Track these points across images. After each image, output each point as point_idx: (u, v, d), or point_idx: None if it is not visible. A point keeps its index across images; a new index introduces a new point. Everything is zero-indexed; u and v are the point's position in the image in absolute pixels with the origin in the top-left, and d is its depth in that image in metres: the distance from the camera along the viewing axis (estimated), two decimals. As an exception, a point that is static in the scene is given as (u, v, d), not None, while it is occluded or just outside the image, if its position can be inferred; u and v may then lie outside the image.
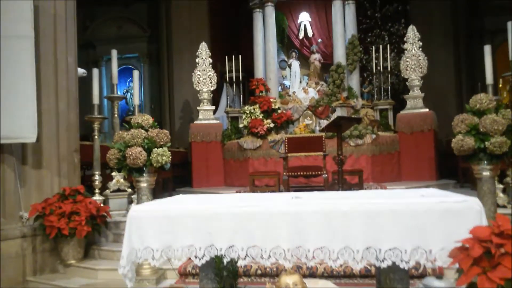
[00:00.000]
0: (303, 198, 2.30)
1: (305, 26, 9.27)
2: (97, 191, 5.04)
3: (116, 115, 5.18)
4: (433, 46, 9.74)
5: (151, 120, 3.89)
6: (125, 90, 12.75)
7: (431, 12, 10.35)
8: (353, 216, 2.06)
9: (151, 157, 3.76)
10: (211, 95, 8.84)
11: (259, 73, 9.02)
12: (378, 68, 8.66)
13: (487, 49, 4.72)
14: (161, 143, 3.84)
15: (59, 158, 4.58)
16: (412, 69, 8.05)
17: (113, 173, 5.25)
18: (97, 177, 4.98)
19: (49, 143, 4.46)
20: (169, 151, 3.82)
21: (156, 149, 3.78)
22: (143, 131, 3.81)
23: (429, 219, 2.04)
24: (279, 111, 8.34)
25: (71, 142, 4.66)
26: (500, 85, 10.86)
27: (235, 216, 2.12)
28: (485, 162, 3.63)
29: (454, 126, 3.71)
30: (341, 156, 5.46)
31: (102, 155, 5.10)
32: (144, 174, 3.86)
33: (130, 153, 3.69)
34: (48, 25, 4.34)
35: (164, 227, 2.19)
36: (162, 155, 3.74)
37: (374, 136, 7.76)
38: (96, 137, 4.95)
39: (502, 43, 12.03)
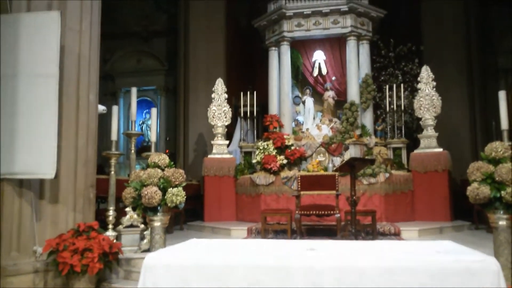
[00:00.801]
0: (317, 250, 2.29)
1: (319, 64, 9.42)
2: (110, 226, 5.07)
3: (133, 151, 5.26)
4: (446, 85, 9.78)
5: (167, 159, 3.96)
6: (141, 122, 13.00)
7: (444, 52, 10.45)
8: (368, 272, 2.04)
9: (166, 197, 3.80)
10: (226, 129, 8.95)
11: (273, 108, 9.13)
12: (392, 106, 8.70)
13: (502, 94, 4.72)
14: (176, 182, 3.89)
15: (75, 194, 4.63)
16: (426, 109, 8.08)
17: (127, 208, 5.29)
18: (111, 212, 5.02)
19: (67, 179, 4.53)
20: (183, 178, 3.86)
21: (171, 188, 3.82)
22: (159, 170, 3.87)
23: (445, 277, 2.02)
24: (292, 148, 8.37)
25: (88, 177, 4.72)
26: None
27: (249, 269, 2.11)
28: (501, 211, 3.58)
29: (469, 174, 3.70)
30: (354, 197, 5.43)
31: (116, 188, 5.17)
32: (158, 213, 3.89)
33: (146, 192, 3.74)
34: (72, 64, 4.49)
35: (177, 277, 2.19)
36: (177, 195, 3.78)
37: (387, 174, 7.73)
38: (112, 172, 5.02)
39: (517, 83, 12.04)
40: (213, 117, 8.82)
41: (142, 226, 5.24)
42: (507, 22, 11.76)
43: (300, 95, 9.67)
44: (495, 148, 3.61)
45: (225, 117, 8.84)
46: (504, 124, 4.62)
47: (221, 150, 8.80)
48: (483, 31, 11.43)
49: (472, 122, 10.58)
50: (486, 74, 11.58)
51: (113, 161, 4.98)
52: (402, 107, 8.72)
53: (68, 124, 4.50)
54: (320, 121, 9.12)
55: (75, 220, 4.65)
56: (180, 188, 3.83)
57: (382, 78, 9.48)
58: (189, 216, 8.96)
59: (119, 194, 4.80)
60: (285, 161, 8.20)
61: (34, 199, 4.34)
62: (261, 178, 8.07)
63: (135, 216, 5.18)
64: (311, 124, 9.12)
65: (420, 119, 8.23)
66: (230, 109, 8.92)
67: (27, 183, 4.29)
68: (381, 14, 8.93)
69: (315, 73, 9.51)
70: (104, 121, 8.49)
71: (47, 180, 4.41)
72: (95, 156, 4.93)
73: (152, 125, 5.43)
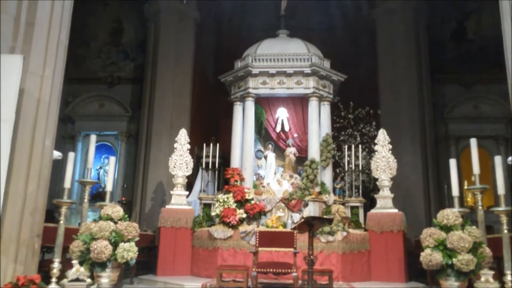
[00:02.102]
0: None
1: (282, 120, 9.64)
2: (53, 279, 4.70)
3: (86, 200, 5.02)
4: (401, 148, 10.23)
5: (121, 212, 3.81)
6: (98, 167, 12.61)
7: (400, 118, 11.04)
8: None
9: (116, 252, 3.61)
10: (186, 180, 8.80)
11: (235, 161, 9.14)
12: (350, 165, 8.93)
13: (452, 163, 4.94)
14: (129, 237, 3.72)
15: (19, 243, 4.31)
16: (382, 170, 8.30)
17: (74, 260, 4.96)
18: (56, 265, 4.67)
19: (11, 227, 4.22)
20: (137, 232, 3.69)
21: (123, 243, 3.64)
22: (112, 223, 3.70)
23: None
24: (252, 202, 8.31)
25: (34, 226, 4.43)
26: (465, 187, 11.30)
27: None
28: (453, 278, 3.63)
29: (422, 239, 3.77)
30: (311, 257, 5.36)
31: (65, 237, 4.85)
32: (106, 269, 3.67)
33: (95, 246, 3.54)
34: (30, 108, 4.34)
35: None
36: (129, 251, 3.60)
37: (345, 233, 7.76)
38: (61, 222, 4.74)
39: (466, 148, 12.82)
40: (174, 167, 8.68)
41: (89, 280, 4.90)
42: (457, 93, 12.74)
43: (262, 149, 9.77)
44: (447, 215, 3.73)
45: (186, 168, 8.71)
46: (455, 191, 4.81)
47: (180, 200, 8.59)
48: (435, 101, 12.25)
49: (425, 185, 10.99)
50: (438, 139, 12.27)
51: (63, 210, 4.70)
52: (360, 167, 8.95)
53: (19, 170, 4.27)
54: (281, 176, 9.17)
55: (15, 272, 4.29)
56: (133, 243, 3.66)
57: (341, 138, 9.78)
58: (141, 269, 8.51)
59: (67, 243, 4.51)
60: (244, 215, 8.10)
61: (-29, 248, 4.00)
62: (219, 231, 7.89)
63: (82, 269, 4.85)
64: (272, 178, 9.15)
65: (376, 179, 8.45)
66: (192, 159, 8.82)
67: (-35, 231, 3.97)
68: (341, 78, 9.38)
69: (278, 129, 9.69)
70: (59, 165, 8.15)
71: (-12, 228, 4.10)
72: (44, 204, 4.66)
73: (109, 173, 5.26)
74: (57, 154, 4.89)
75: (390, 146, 8.43)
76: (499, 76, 11.05)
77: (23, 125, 4.29)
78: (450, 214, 3.73)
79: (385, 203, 8.19)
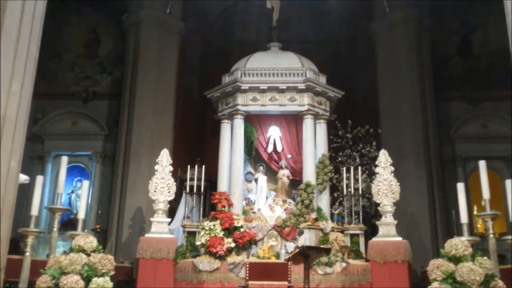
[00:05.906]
0: None
1: (274, 140, 9.66)
2: (17, 320, 4.58)
3: (55, 229, 4.93)
4: (405, 170, 10.26)
5: (94, 243, 3.75)
6: (70, 191, 12.48)
7: (402, 137, 11.11)
8: None
9: (89, 288, 3.54)
10: (168, 205, 8.71)
11: (223, 185, 9.11)
12: (349, 189, 8.90)
13: (460, 187, 4.97)
14: (103, 271, 3.65)
15: (-22, 279, 4.20)
16: (384, 194, 8.29)
17: (41, 298, 4.83)
18: (20, 303, 4.56)
19: (-31, 261, 4.13)
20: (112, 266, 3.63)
21: (96, 278, 3.57)
22: (84, 256, 3.63)
23: None
24: (241, 230, 8.26)
25: (-4, 259, 4.33)
26: (475, 212, 11.33)
27: None
28: (464, 315, 3.60)
29: (429, 272, 3.75)
30: (307, 291, 5.33)
31: (32, 270, 4.73)
32: (77, 308, 3.57)
33: (65, 282, 3.47)
34: (-5, 127, 4.29)
35: None
36: (103, 287, 3.52)
37: (344, 264, 7.73)
38: (27, 254, 4.63)
39: (474, 170, 12.90)
40: (155, 191, 8.59)
41: (57, 321, 4.78)
42: (463, 111, 12.89)
43: (252, 171, 9.75)
44: (455, 245, 3.72)
45: (169, 192, 8.63)
46: (464, 218, 4.82)
47: (161, 228, 8.47)
48: (440, 119, 12.36)
49: (431, 210, 10.99)
50: (444, 161, 12.33)
51: (29, 240, 4.60)
52: (360, 191, 8.95)
53: (-20, 195, 4.20)
54: (273, 201, 9.14)
55: (-28, 312, 4.17)
56: (107, 278, 3.59)
57: (339, 159, 9.69)
58: (117, 307, 8.34)
59: (34, 277, 4.40)
60: (233, 245, 8.04)
61: None
62: (204, 263, 7.82)
63: (49, 308, 4.73)
64: (263, 204, 9.11)
65: (378, 204, 8.43)
66: (174, 183, 8.75)
67: None
68: (338, 94, 9.46)
69: (270, 149, 9.71)
70: (26, 189, 8.03)
71: None
72: (8, 234, 4.54)
73: (82, 198, 5.19)
74: (23, 178, 4.80)
75: (392, 168, 8.44)
76: (509, 93, 11.35)
77: (-14, 146, 4.23)
78: (459, 244, 3.72)
79: (387, 231, 8.15)
